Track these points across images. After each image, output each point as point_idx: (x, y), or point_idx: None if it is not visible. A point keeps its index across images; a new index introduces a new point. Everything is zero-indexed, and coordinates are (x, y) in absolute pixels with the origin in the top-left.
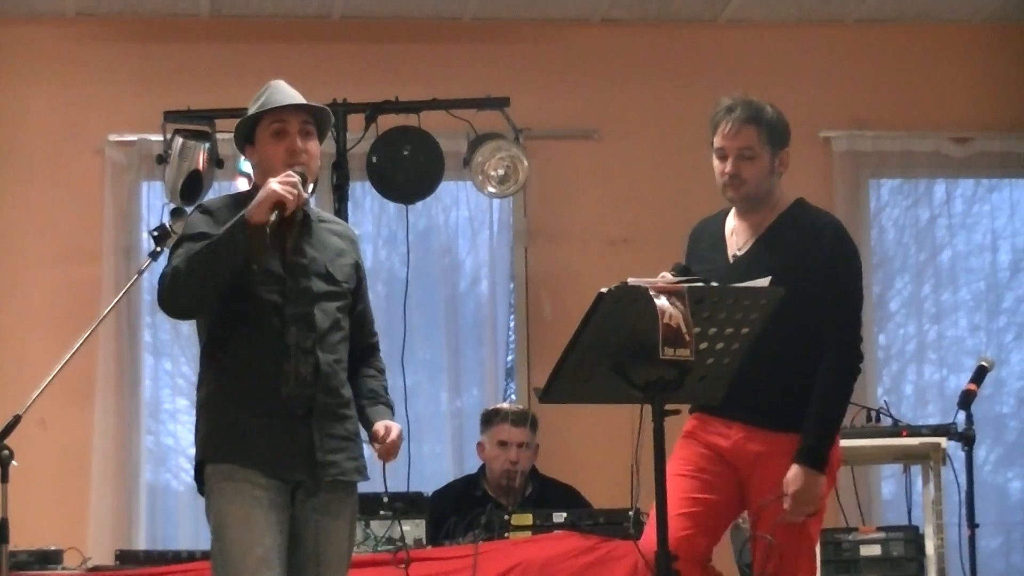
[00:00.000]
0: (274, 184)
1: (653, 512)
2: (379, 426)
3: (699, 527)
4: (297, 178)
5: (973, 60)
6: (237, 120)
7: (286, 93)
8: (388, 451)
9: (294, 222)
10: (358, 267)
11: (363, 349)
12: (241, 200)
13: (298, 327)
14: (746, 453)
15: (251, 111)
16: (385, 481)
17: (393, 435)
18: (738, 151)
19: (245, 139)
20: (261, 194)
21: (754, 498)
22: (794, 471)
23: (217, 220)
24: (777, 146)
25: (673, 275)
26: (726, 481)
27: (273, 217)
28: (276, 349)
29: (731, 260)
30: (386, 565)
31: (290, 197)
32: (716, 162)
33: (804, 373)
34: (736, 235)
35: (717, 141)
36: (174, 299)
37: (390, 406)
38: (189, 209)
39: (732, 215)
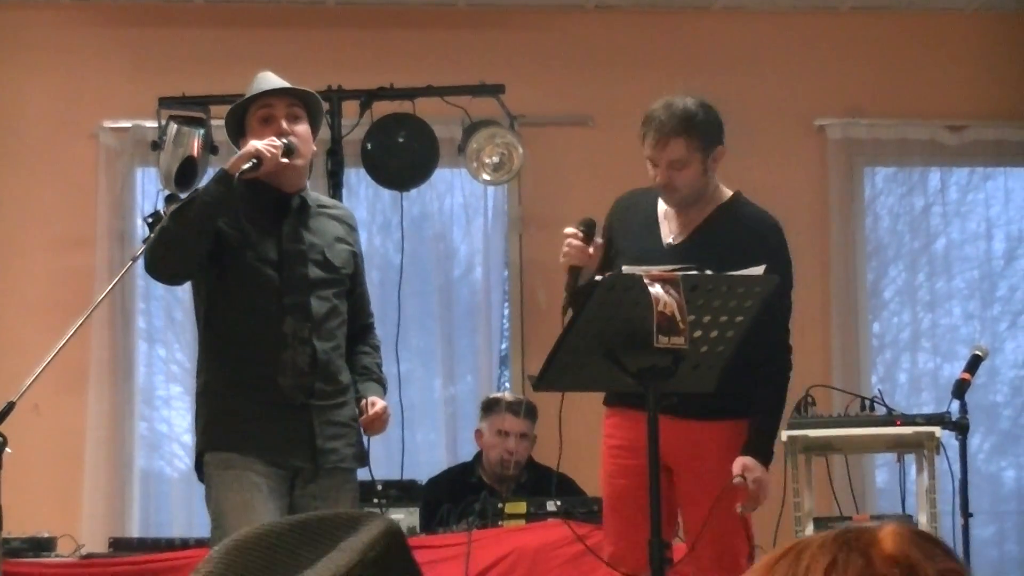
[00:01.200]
0: (254, 142)
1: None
2: (365, 401)
3: (638, 561)
4: (280, 143)
5: (968, 48)
6: (231, 106)
7: (271, 80)
8: (370, 423)
9: (290, 209)
10: (355, 253)
11: (359, 328)
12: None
13: (294, 316)
14: (673, 446)
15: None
16: (370, 468)
17: (377, 408)
18: (667, 162)
19: (237, 132)
20: (241, 150)
21: (685, 488)
22: (751, 462)
23: None
24: (709, 147)
25: (582, 230)
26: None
27: (247, 166)
28: (273, 338)
29: (666, 247)
30: None
31: (267, 154)
32: (649, 167)
33: (732, 361)
34: (670, 220)
35: (646, 150)
36: (158, 257)
37: (382, 383)
38: (183, 195)
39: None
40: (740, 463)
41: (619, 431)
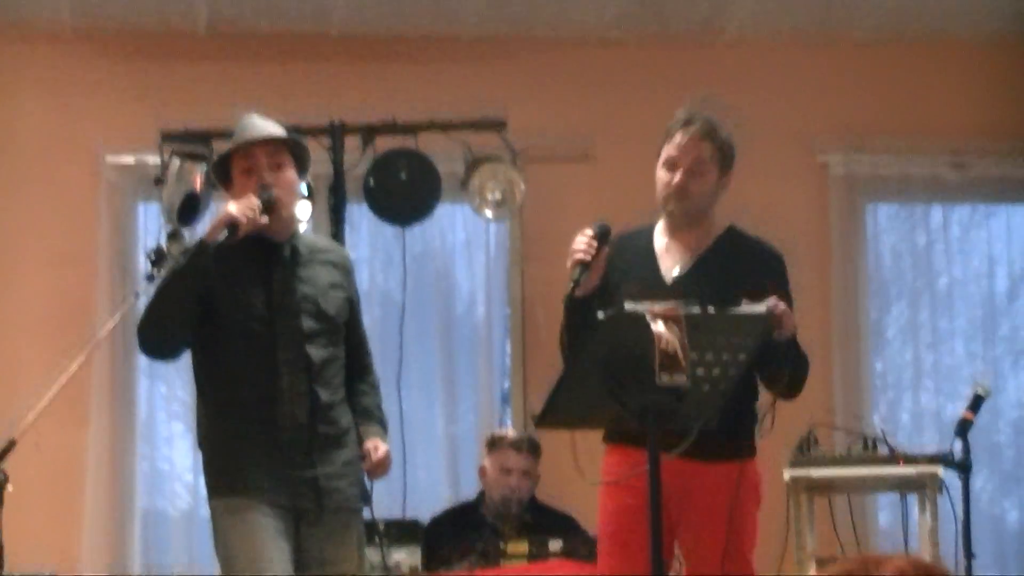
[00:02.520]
0: (231, 205)
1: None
2: (368, 445)
3: None
4: (257, 203)
5: (973, 82)
6: (217, 157)
7: (255, 127)
8: (375, 468)
9: (281, 259)
10: (351, 298)
11: (358, 369)
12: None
13: (290, 370)
14: (674, 486)
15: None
16: (372, 508)
17: (380, 453)
18: (689, 164)
19: (223, 179)
20: (218, 214)
21: (686, 532)
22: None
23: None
24: (725, 168)
25: (596, 231)
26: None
27: (222, 236)
28: (270, 393)
29: (669, 281)
30: None
31: (243, 219)
32: (663, 172)
33: (738, 403)
34: (670, 254)
35: (669, 151)
36: (146, 338)
37: (383, 424)
38: (186, 232)
39: (660, 232)
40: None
41: (618, 469)
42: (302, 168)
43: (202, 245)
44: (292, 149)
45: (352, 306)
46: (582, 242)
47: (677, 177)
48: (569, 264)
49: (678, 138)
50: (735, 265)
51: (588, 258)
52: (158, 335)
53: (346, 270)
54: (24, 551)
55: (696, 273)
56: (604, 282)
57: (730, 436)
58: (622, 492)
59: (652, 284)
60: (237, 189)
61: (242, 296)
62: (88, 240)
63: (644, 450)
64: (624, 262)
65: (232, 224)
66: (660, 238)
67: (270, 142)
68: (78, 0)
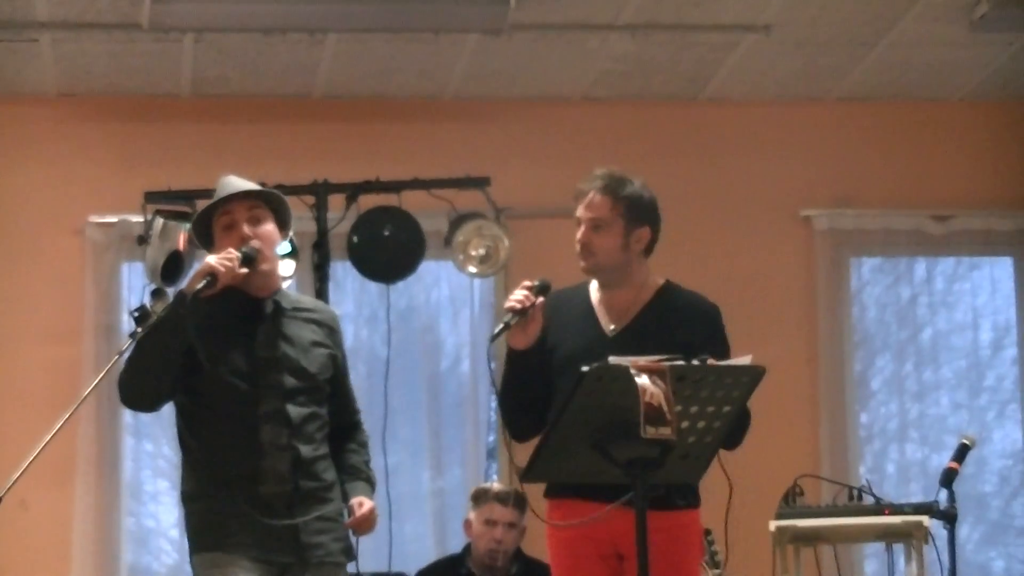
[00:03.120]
0: (210, 258)
1: None
2: (354, 501)
3: None
4: (236, 255)
5: (954, 138)
6: (196, 215)
7: (232, 185)
8: (359, 524)
9: (263, 315)
10: (335, 356)
11: (345, 427)
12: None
13: (271, 425)
14: (624, 534)
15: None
16: (357, 564)
17: (365, 509)
18: (589, 220)
19: (206, 240)
20: (195, 268)
21: None
22: None
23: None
24: (635, 222)
25: (537, 285)
26: (607, 574)
27: (201, 285)
28: (251, 448)
29: (609, 335)
30: None
31: (222, 269)
32: (577, 232)
33: None
34: (606, 309)
35: (577, 210)
36: (126, 390)
37: (370, 482)
38: (170, 290)
39: (594, 288)
40: None
41: (566, 522)
42: (283, 223)
43: (180, 296)
44: (271, 204)
45: (336, 363)
46: (519, 293)
47: (579, 234)
48: (503, 312)
49: (581, 197)
50: (671, 321)
51: (520, 307)
52: (136, 387)
53: (331, 329)
54: None
55: (636, 328)
56: (543, 338)
57: (676, 486)
58: (574, 543)
59: (593, 338)
60: (219, 247)
61: (224, 351)
62: (75, 303)
63: (587, 501)
64: (562, 318)
65: (211, 275)
66: (595, 293)
67: (248, 196)
68: (63, 64)
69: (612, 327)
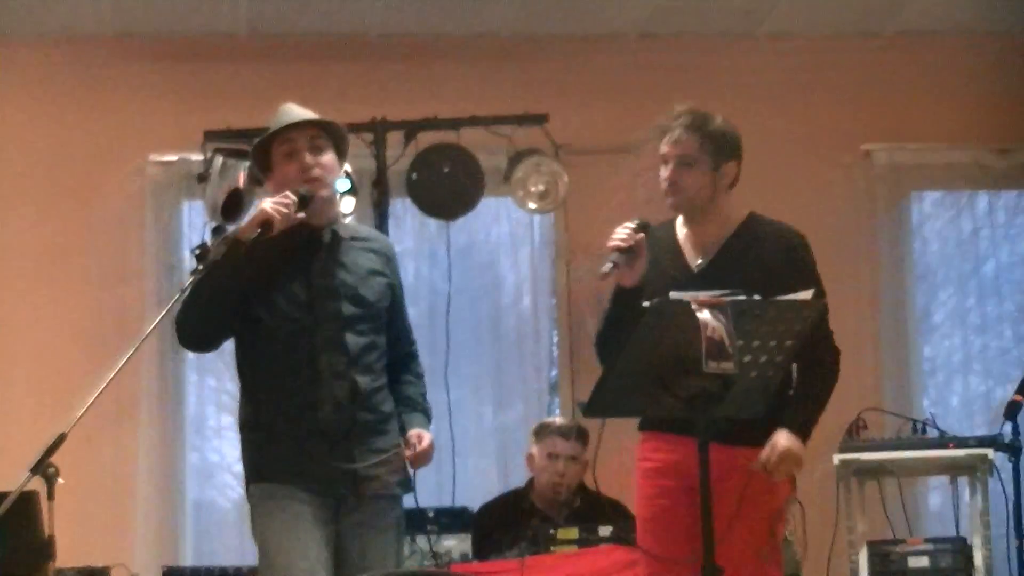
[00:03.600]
0: (266, 202)
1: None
2: (411, 433)
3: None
4: (292, 199)
5: (1015, 70)
6: (256, 142)
7: (294, 113)
8: (418, 458)
9: (321, 244)
10: (392, 285)
11: (402, 357)
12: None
13: (329, 352)
14: (714, 470)
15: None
16: (416, 496)
17: (424, 443)
18: (677, 157)
19: (263, 166)
20: (254, 211)
21: (717, 515)
22: (785, 434)
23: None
24: (721, 158)
25: (637, 225)
26: (689, 505)
27: (255, 234)
28: (309, 374)
29: (695, 270)
30: None
31: (277, 216)
32: (661, 169)
33: (775, 389)
34: (691, 244)
35: (662, 147)
36: (184, 331)
37: (427, 414)
38: (231, 227)
39: (680, 224)
40: (772, 440)
41: (657, 454)
42: (340, 153)
43: (235, 243)
44: (330, 133)
45: (394, 292)
46: (622, 232)
47: (667, 172)
48: (607, 251)
49: (666, 135)
50: (757, 252)
51: (625, 245)
52: (193, 330)
53: (388, 257)
54: (77, 544)
55: (721, 261)
56: None
57: (762, 422)
58: (660, 476)
59: (679, 274)
60: (278, 174)
61: (282, 281)
62: (136, 242)
63: (679, 436)
64: (650, 255)
65: (266, 222)
66: (681, 229)
67: (309, 126)
68: (120, 5)
69: (699, 261)
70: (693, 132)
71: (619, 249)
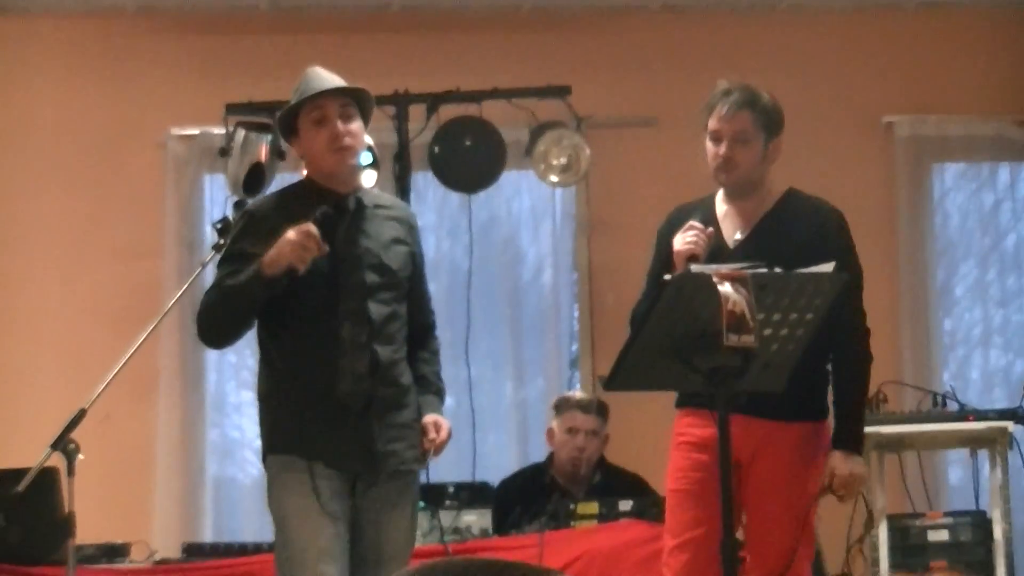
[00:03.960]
0: (291, 235)
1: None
2: (428, 421)
3: (700, 554)
4: (316, 232)
5: None
6: (283, 109)
7: (323, 79)
8: (435, 450)
9: (345, 211)
10: (414, 254)
11: (419, 329)
12: (289, 196)
13: (351, 322)
14: (745, 445)
15: (292, 102)
16: (427, 471)
17: (443, 435)
18: (733, 134)
19: (289, 131)
20: (279, 247)
21: (753, 489)
22: (840, 457)
23: (260, 231)
24: (771, 133)
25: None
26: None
27: (279, 275)
28: (330, 345)
29: (731, 245)
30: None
31: (301, 267)
32: (710, 145)
33: (806, 362)
34: (730, 219)
35: (712, 123)
36: (204, 335)
37: (440, 394)
38: (251, 200)
39: (720, 200)
40: (828, 466)
41: (694, 429)
42: (366, 120)
43: (259, 276)
44: (358, 100)
45: (415, 261)
46: (692, 235)
47: (723, 149)
48: (679, 257)
49: (719, 109)
50: (795, 227)
51: (699, 249)
52: (213, 334)
53: (410, 226)
54: (96, 520)
55: (758, 236)
56: (666, 260)
57: (803, 396)
58: (697, 450)
59: (716, 249)
60: (306, 140)
61: None
62: (157, 216)
63: (716, 412)
64: None
65: (292, 270)
66: (720, 206)
67: (339, 93)
68: None
69: (736, 236)
70: (747, 108)
71: (695, 256)
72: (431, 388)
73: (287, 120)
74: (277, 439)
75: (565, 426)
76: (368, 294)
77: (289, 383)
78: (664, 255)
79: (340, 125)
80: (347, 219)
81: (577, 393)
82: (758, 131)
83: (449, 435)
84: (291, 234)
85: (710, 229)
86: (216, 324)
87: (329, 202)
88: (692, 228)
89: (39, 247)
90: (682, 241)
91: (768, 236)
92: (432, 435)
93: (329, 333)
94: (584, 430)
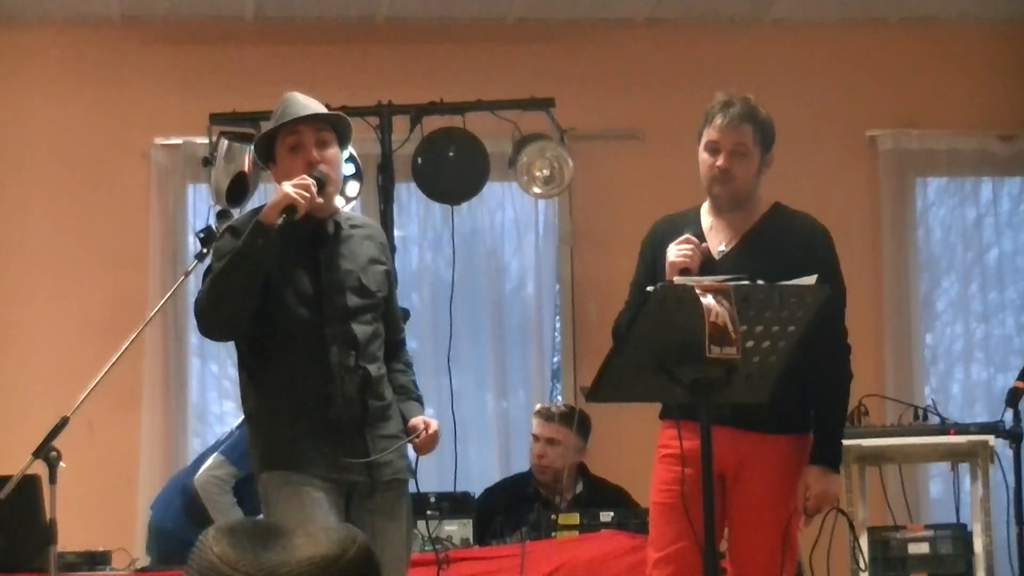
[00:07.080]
0: (287, 186)
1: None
2: (417, 421)
3: (683, 566)
4: (312, 181)
5: (1019, 57)
6: (260, 134)
7: (300, 104)
8: (428, 443)
9: (326, 236)
10: (388, 272)
11: (391, 346)
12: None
13: (338, 346)
14: (730, 458)
15: (269, 127)
16: (417, 482)
17: (432, 428)
18: (732, 147)
19: (266, 157)
20: (274, 196)
21: (739, 502)
22: (816, 472)
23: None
24: (766, 148)
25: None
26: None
27: (281, 220)
28: (319, 368)
29: (716, 257)
30: (429, 565)
31: (302, 201)
32: (705, 156)
33: (791, 374)
34: (716, 232)
35: (711, 134)
36: (208, 320)
37: (420, 401)
38: (235, 211)
39: (706, 212)
40: (803, 482)
41: (678, 441)
42: (344, 145)
43: (260, 228)
44: (336, 126)
45: (390, 280)
46: (687, 248)
47: (720, 161)
48: (672, 268)
49: (719, 121)
50: (781, 241)
51: (692, 263)
52: (218, 317)
53: (382, 244)
54: (78, 528)
55: (743, 249)
56: (654, 264)
57: (788, 409)
58: (680, 461)
59: (703, 260)
60: (282, 167)
61: (290, 273)
62: (141, 225)
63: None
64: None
65: (291, 207)
66: (706, 218)
67: (315, 119)
68: None
69: (722, 248)
70: (748, 122)
71: (688, 269)
72: (411, 395)
73: (264, 146)
74: (273, 455)
75: (532, 434)
76: (351, 316)
77: (277, 404)
78: (648, 265)
79: (315, 152)
80: (328, 244)
81: (555, 404)
82: (756, 145)
83: (438, 433)
84: (285, 184)
85: (705, 244)
86: (220, 302)
87: (307, 228)
88: (688, 241)
89: (24, 256)
90: (676, 252)
91: (754, 249)
92: (421, 429)
93: (317, 359)
94: (543, 438)
